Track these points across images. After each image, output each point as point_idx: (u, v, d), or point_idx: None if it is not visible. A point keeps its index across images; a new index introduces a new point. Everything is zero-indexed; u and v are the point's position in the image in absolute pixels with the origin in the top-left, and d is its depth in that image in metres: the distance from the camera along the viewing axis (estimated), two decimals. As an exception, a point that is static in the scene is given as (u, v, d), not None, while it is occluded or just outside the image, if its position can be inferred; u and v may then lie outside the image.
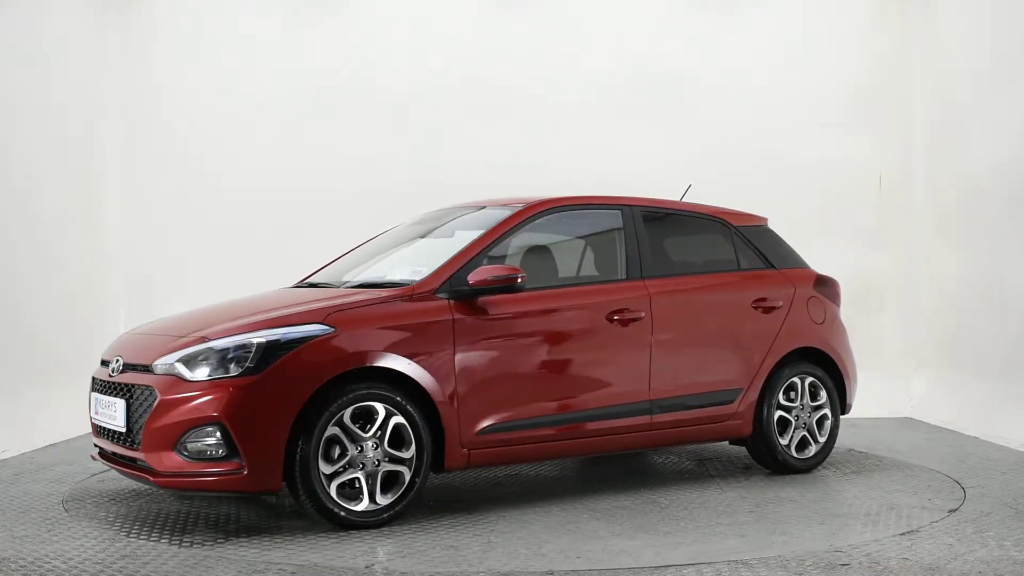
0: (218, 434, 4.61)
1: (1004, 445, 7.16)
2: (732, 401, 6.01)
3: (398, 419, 4.89)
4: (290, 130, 9.10)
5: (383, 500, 4.86)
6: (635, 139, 9.02)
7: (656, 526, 4.94)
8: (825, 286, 6.61)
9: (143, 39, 9.22)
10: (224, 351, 4.72)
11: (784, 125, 9.09)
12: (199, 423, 4.61)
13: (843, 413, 6.53)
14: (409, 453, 4.92)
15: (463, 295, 5.19)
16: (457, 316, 5.13)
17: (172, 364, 4.79)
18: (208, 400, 4.62)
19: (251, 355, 4.69)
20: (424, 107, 9.06)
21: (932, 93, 8.99)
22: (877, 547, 4.51)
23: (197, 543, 4.65)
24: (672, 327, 5.83)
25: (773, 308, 6.23)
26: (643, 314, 5.70)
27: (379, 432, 4.85)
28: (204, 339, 4.83)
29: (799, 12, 9.27)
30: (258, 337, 4.74)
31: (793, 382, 6.25)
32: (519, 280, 5.19)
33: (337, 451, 4.79)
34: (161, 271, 9.06)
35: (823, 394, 6.36)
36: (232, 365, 4.69)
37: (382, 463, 4.85)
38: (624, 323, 5.65)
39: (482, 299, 5.23)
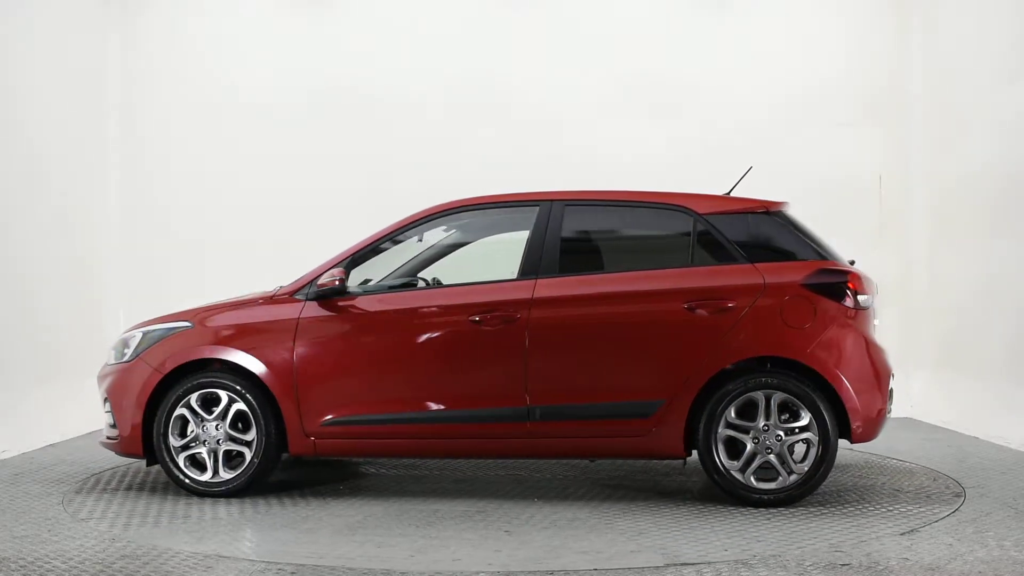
0: (108, 407, 5.80)
1: (1004, 445, 7.16)
2: (647, 415, 5.34)
3: (239, 405, 5.56)
4: (291, 130, 9.09)
5: (225, 474, 5.57)
6: (634, 139, 9.01)
7: (656, 525, 4.95)
8: (826, 283, 5.36)
9: (143, 39, 9.21)
10: (122, 342, 5.88)
11: (784, 125, 9.08)
12: (104, 398, 5.86)
13: (853, 441, 5.35)
14: (251, 436, 5.55)
15: (316, 297, 5.63)
16: (304, 316, 5.60)
17: (109, 351, 6.01)
18: (107, 380, 5.85)
19: (131, 346, 5.79)
20: (425, 108, 9.05)
21: (932, 93, 9.00)
22: (877, 547, 4.51)
23: (197, 543, 4.66)
24: (559, 330, 5.43)
25: (722, 309, 5.35)
26: (519, 316, 5.42)
27: (223, 415, 5.57)
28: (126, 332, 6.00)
29: (799, 12, 9.26)
30: (138, 331, 5.84)
31: (752, 397, 5.28)
32: (344, 284, 5.55)
33: (190, 429, 5.63)
34: (161, 272, 9.05)
35: (805, 415, 5.26)
36: (123, 353, 5.82)
37: (223, 442, 5.57)
38: (491, 325, 5.43)
39: (343, 301, 5.62)
